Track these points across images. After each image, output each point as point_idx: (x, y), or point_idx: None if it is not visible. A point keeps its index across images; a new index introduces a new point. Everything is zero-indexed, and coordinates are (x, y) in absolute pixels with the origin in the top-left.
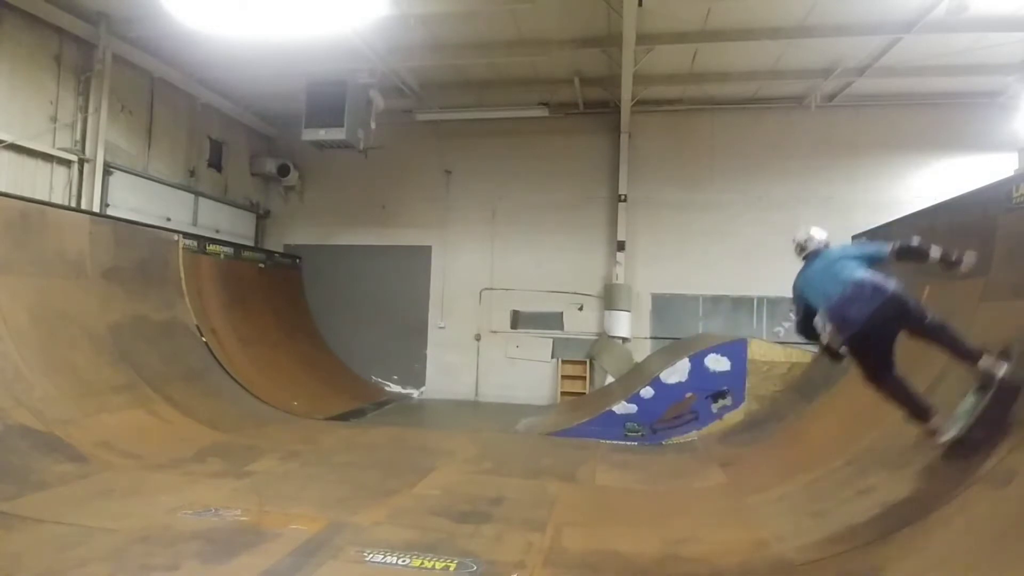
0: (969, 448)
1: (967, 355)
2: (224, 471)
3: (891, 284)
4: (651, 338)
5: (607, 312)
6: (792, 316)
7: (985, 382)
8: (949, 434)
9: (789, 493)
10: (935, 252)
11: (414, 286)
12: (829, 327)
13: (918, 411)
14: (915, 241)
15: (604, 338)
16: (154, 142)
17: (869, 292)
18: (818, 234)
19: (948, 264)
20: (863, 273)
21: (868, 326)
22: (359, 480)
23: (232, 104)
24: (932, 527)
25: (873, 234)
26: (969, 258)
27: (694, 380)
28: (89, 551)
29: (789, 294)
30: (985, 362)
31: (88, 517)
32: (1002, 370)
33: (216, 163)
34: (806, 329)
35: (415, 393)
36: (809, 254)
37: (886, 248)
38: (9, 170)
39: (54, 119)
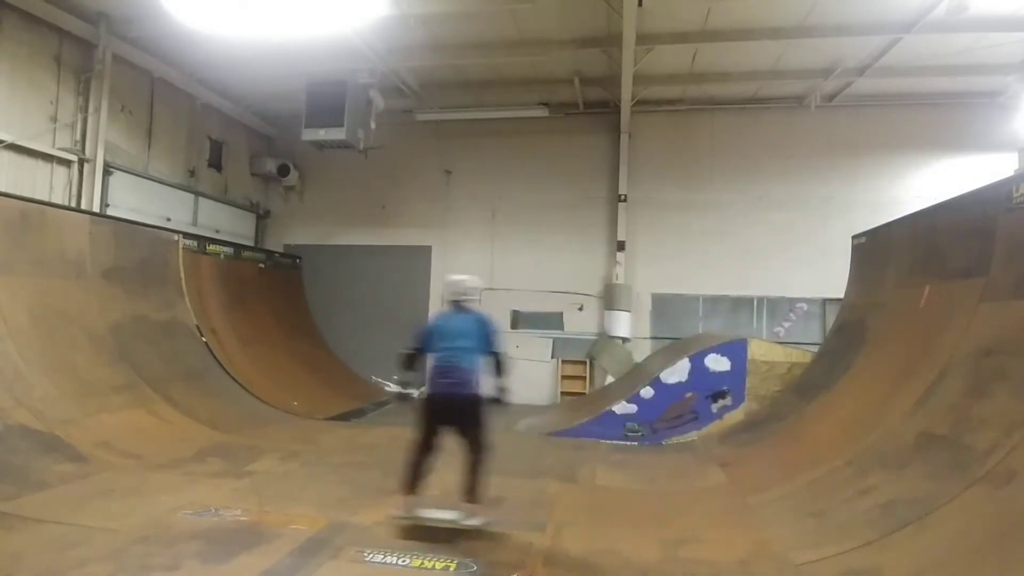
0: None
1: (471, 492)
2: (224, 471)
3: (475, 390)
4: (651, 338)
5: (607, 312)
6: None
7: (460, 519)
8: (404, 516)
9: (789, 493)
10: (503, 382)
11: (414, 286)
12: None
13: (407, 482)
14: (505, 362)
15: (604, 338)
16: (154, 142)
17: (460, 379)
18: (478, 285)
19: (500, 391)
20: (470, 360)
21: (439, 401)
22: (359, 480)
23: (232, 104)
24: (932, 527)
25: (873, 234)
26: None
27: (694, 380)
28: (89, 551)
29: (789, 294)
30: (473, 510)
31: (88, 517)
32: (475, 522)
33: (216, 163)
34: (409, 362)
35: (415, 393)
36: (459, 303)
37: (497, 349)
38: (9, 170)
39: (54, 119)
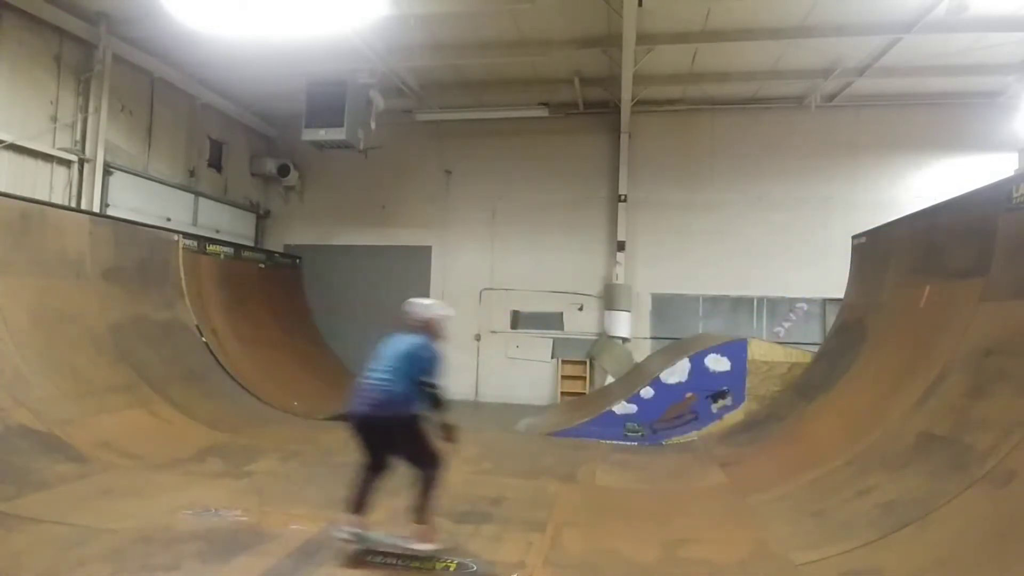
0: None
1: (416, 511)
2: (224, 471)
3: (391, 411)
4: (651, 338)
5: (607, 312)
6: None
7: (404, 543)
8: (342, 534)
9: (789, 493)
10: (440, 416)
11: (414, 286)
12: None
13: (354, 503)
14: (438, 396)
15: (604, 338)
16: (154, 142)
17: (374, 400)
18: (425, 312)
19: (444, 428)
20: (389, 383)
21: (360, 421)
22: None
23: (232, 104)
24: (932, 527)
25: (873, 234)
26: (455, 436)
27: (694, 380)
28: (89, 551)
29: (789, 294)
30: (420, 531)
31: (88, 517)
32: (419, 548)
33: (216, 163)
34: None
35: None
36: (410, 324)
37: (429, 377)
38: (9, 170)
39: (54, 119)
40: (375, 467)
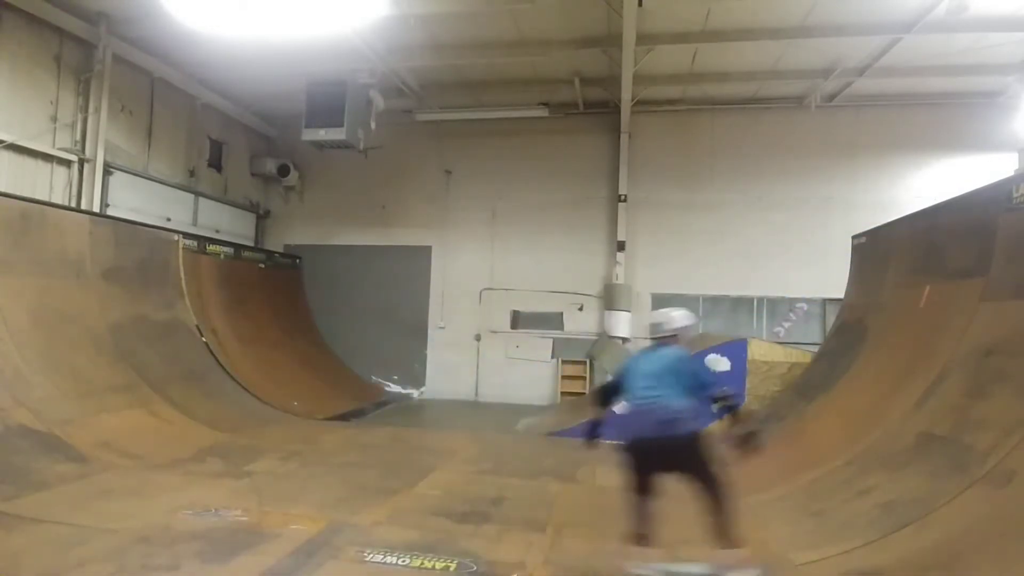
0: None
1: (722, 535)
2: (224, 471)
3: (683, 430)
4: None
5: (607, 312)
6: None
7: (717, 571)
8: (646, 571)
9: (789, 493)
10: (740, 428)
11: (414, 286)
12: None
13: (634, 532)
14: (734, 402)
15: (604, 338)
16: (154, 142)
17: (662, 421)
18: (676, 323)
19: (742, 439)
20: (671, 400)
21: (642, 447)
22: (359, 480)
23: (232, 104)
24: (932, 527)
25: (873, 234)
26: (757, 443)
27: None
28: (89, 551)
29: (789, 294)
30: (732, 556)
31: (88, 517)
32: (739, 572)
33: (216, 163)
34: (604, 397)
35: (415, 393)
36: (660, 338)
37: (712, 390)
38: (9, 170)
39: (54, 119)
40: (647, 490)
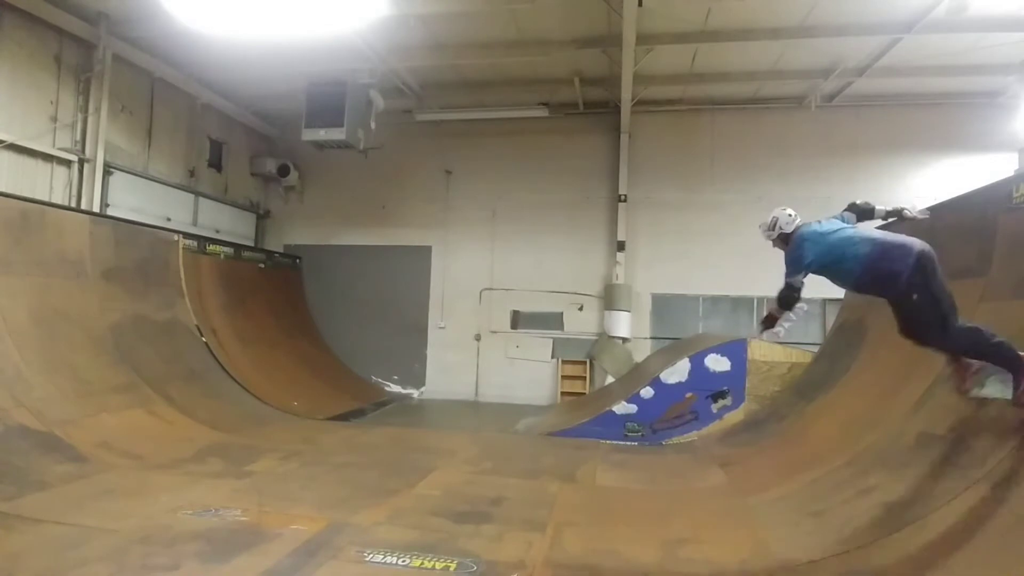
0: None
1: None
2: (224, 471)
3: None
4: (651, 338)
5: (607, 312)
6: (795, 298)
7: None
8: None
9: (789, 493)
10: (880, 211)
11: (414, 286)
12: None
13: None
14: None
15: (604, 338)
16: (154, 142)
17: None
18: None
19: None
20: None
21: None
22: (359, 480)
23: (232, 104)
24: (932, 527)
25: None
26: (921, 212)
27: (694, 380)
28: (89, 551)
29: None
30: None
31: (88, 517)
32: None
33: (216, 163)
34: (790, 300)
35: (415, 393)
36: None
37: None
38: (9, 170)
39: (54, 119)
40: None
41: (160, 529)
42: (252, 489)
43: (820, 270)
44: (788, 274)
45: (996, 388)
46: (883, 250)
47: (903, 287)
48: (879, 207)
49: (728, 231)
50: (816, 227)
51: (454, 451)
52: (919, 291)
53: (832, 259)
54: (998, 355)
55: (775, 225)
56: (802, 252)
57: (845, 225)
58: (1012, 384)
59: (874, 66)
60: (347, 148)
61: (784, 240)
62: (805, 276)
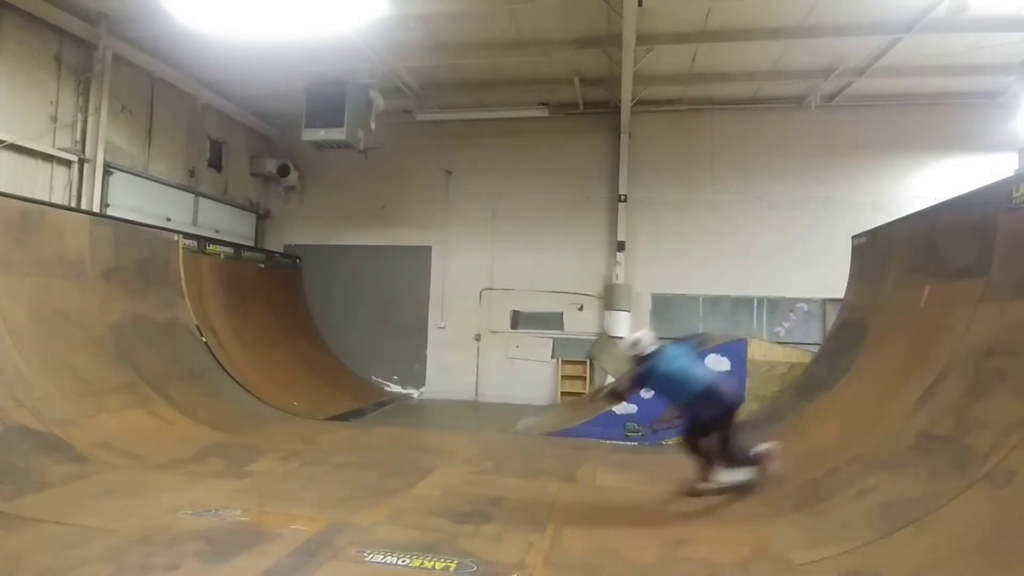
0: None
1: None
2: (224, 471)
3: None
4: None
5: (607, 312)
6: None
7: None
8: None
9: (789, 493)
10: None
11: (414, 286)
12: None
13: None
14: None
15: (604, 338)
16: (154, 142)
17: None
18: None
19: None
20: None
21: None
22: (359, 480)
23: (232, 104)
24: (932, 527)
25: (873, 234)
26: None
27: None
28: (89, 551)
29: (789, 294)
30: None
31: (88, 517)
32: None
33: (216, 163)
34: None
35: (415, 393)
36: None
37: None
38: (9, 170)
39: (54, 119)
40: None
41: (160, 529)
42: (252, 489)
43: (662, 382)
44: (633, 384)
45: (732, 477)
46: (718, 383)
47: (720, 411)
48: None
49: (728, 231)
50: (670, 351)
51: (454, 451)
52: (726, 417)
53: (680, 376)
54: (736, 460)
55: (637, 344)
56: (653, 372)
57: (688, 352)
58: (740, 472)
59: (874, 66)
60: (347, 148)
61: (640, 358)
62: (645, 390)
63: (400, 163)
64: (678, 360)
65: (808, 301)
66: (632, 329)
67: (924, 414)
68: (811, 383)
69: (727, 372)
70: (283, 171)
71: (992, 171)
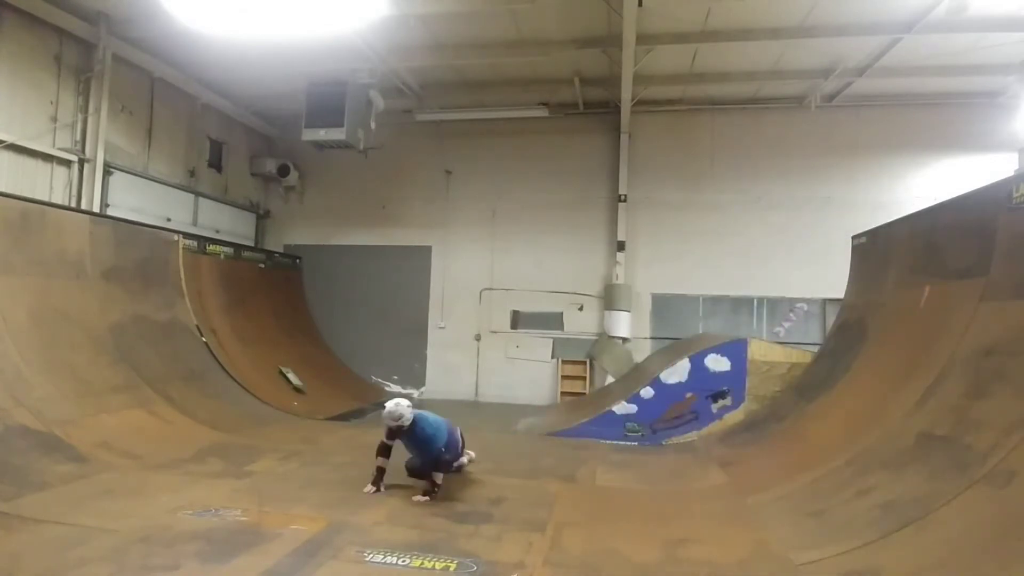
0: None
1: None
2: (224, 471)
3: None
4: (651, 338)
5: (607, 312)
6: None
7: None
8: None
9: (789, 493)
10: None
11: (414, 286)
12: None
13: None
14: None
15: (604, 338)
16: (154, 142)
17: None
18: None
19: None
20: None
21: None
22: (359, 480)
23: (232, 104)
24: (932, 527)
25: (873, 234)
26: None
27: (694, 380)
28: (89, 551)
29: (789, 294)
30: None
31: (88, 517)
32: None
33: (216, 163)
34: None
35: (415, 393)
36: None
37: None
38: (9, 170)
39: (54, 119)
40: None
41: (160, 529)
42: (252, 489)
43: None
44: (442, 450)
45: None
46: (452, 433)
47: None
48: None
49: (728, 231)
50: (425, 415)
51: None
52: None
53: (442, 433)
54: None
55: (400, 417)
56: (437, 434)
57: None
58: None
59: (874, 66)
60: (347, 148)
61: (404, 429)
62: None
63: (400, 163)
64: (429, 416)
65: (808, 301)
66: (632, 329)
67: (924, 414)
68: (811, 383)
69: (727, 372)
70: (283, 171)
71: (992, 171)
